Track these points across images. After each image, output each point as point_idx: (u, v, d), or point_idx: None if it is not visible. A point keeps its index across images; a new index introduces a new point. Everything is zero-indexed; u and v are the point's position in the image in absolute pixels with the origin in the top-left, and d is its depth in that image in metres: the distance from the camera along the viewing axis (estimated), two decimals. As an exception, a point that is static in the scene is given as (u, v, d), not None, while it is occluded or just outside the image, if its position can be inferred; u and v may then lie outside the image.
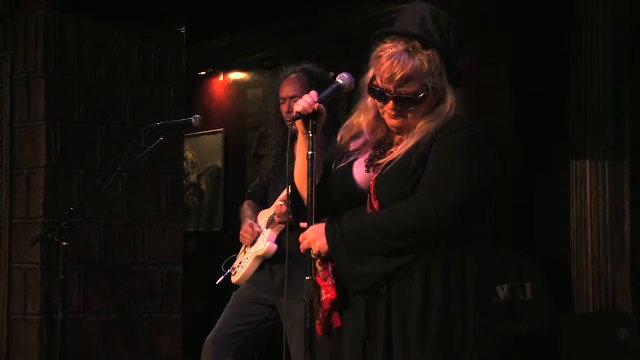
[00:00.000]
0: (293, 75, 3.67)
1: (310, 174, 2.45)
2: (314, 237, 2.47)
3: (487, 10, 5.50)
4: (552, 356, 4.62)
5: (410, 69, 2.44)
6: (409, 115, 2.48)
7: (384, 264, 2.41)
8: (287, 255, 2.71)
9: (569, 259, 4.85)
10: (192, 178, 7.87)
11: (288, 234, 2.95)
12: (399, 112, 2.48)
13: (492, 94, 5.44)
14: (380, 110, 2.54)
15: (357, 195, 2.50)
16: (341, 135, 2.65)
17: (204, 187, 7.80)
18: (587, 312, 4.74)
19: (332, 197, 2.56)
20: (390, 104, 2.48)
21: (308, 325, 2.42)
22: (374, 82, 2.50)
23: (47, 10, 4.78)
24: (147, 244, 4.95)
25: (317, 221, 2.50)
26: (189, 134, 6.96)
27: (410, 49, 2.45)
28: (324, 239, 2.45)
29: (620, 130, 4.73)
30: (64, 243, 3.99)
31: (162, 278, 4.97)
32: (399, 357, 2.40)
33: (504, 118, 5.37)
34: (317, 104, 2.48)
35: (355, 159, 2.57)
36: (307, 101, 2.49)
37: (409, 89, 2.45)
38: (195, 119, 4.07)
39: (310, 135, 2.47)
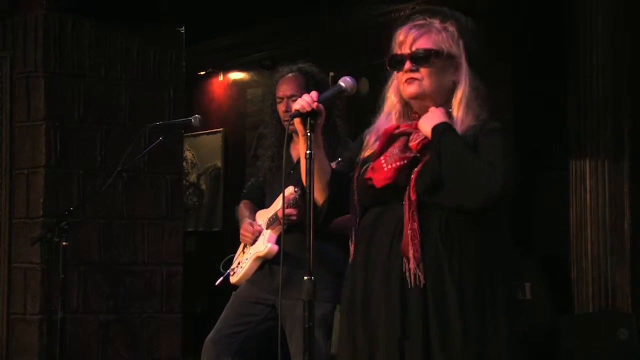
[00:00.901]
0: (290, 75, 3.66)
1: (309, 173, 2.45)
2: (433, 116, 2.49)
3: (487, 10, 5.50)
4: (552, 356, 4.62)
5: (425, 29, 2.53)
6: (425, 80, 2.51)
7: None
8: (282, 256, 2.71)
9: (569, 259, 4.85)
10: (192, 178, 7.87)
11: (287, 235, 2.95)
12: (414, 72, 2.51)
13: (492, 94, 5.43)
14: (401, 87, 2.56)
15: (391, 189, 2.49)
16: (367, 137, 2.65)
17: (203, 187, 7.81)
18: (587, 312, 4.74)
19: (360, 194, 2.56)
20: (407, 64, 2.52)
21: (307, 325, 2.42)
22: (389, 56, 2.56)
23: (47, 10, 4.78)
24: (147, 244, 4.95)
25: (321, 222, 2.52)
26: (189, 133, 6.96)
27: (428, 23, 2.55)
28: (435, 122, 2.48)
29: (620, 130, 4.73)
30: (64, 243, 4.00)
31: (162, 278, 4.97)
32: (439, 357, 2.39)
33: (503, 118, 5.36)
34: (316, 104, 2.48)
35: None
36: (306, 100, 2.49)
37: (423, 44, 2.51)
38: (194, 118, 4.07)
39: (309, 134, 2.47)
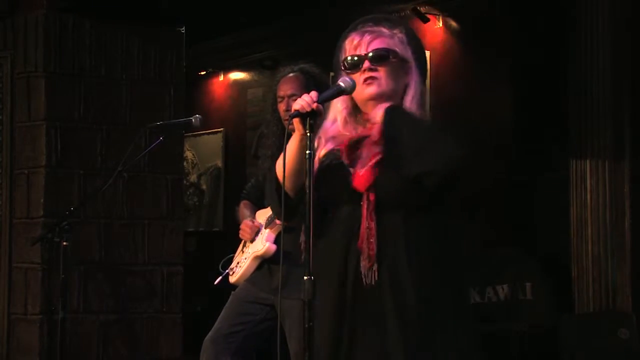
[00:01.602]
0: (291, 75, 3.67)
1: (309, 173, 2.45)
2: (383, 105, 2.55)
3: (487, 10, 5.50)
4: (552, 356, 4.62)
5: (377, 33, 2.59)
6: (384, 80, 2.56)
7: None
8: (282, 256, 2.71)
9: (569, 259, 4.85)
10: (192, 178, 7.88)
11: (286, 235, 2.95)
12: (373, 71, 2.56)
13: (491, 94, 5.44)
14: (360, 87, 2.57)
15: (354, 192, 2.51)
16: (318, 141, 2.66)
17: (204, 187, 7.81)
18: (587, 312, 4.74)
19: (325, 195, 2.57)
20: (366, 63, 2.57)
21: (307, 325, 2.42)
22: (345, 58, 2.62)
23: (47, 10, 4.78)
24: (147, 244, 4.95)
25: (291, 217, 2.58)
26: (189, 133, 6.96)
27: (377, 29, 2.62)
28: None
29: (620, 130, 4.73)
30: (64, 243, 3.99)
31: (162, 278, 4.98)
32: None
33: (503, 118, 5.37)
34: (315, 104, 2.49)
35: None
36: (306, 100, 2.49)
37: (379, 44, 2.57)
38: (195, 118, 4.06)
39: (308, 134, 2.47)
